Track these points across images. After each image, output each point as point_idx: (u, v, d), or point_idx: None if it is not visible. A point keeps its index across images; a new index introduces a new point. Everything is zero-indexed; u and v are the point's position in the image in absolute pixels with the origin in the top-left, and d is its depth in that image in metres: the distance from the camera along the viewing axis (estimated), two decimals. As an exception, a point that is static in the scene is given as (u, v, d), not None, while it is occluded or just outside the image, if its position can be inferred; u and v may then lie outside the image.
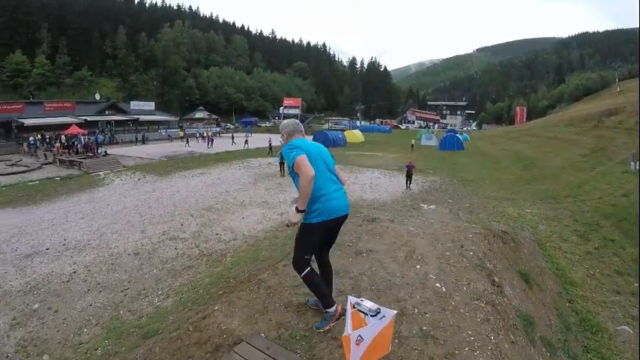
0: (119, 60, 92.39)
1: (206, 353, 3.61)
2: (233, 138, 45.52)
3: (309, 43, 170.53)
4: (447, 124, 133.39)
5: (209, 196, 16.64)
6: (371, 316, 2.47)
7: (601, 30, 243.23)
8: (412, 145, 42.13)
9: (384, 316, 2.46)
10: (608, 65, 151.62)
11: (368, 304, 2.53)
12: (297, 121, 4.15)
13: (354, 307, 2.55)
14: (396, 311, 2.53)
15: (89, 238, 11.43)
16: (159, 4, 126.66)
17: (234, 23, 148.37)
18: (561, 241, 10.95)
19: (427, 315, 4.01)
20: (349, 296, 2.67)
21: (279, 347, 3.34)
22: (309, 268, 3.72)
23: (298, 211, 3.50)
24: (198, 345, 3.73)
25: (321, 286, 3.80)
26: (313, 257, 3.86)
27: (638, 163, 17.81)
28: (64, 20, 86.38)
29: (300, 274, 3.73)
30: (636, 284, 8.50)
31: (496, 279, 5.16)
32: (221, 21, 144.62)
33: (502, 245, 7.00)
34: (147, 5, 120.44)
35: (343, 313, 3.57)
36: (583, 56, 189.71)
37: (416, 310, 4.08)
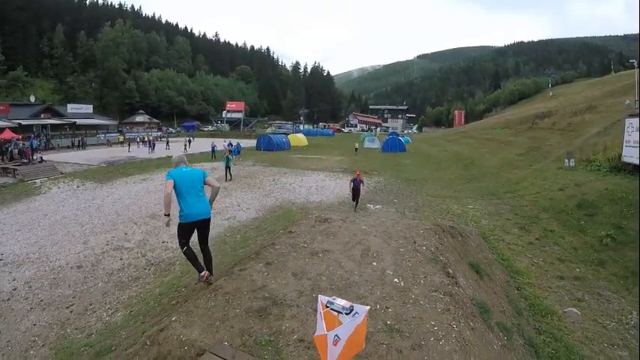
0: (56, 60, 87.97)
1: (169, 368, 3.50)
2: (168, 143, 44.63)
3: (252, 47, 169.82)
4: (388, 127, 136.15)
5: (153, 203, 16.13)
6: (345, 314, 2.49)
7: (535, 39, 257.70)
8: (356, 149, 40.68)
9: (357, 312, 2.49)
10: (542, 72, 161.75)
11: (341, 302, 2.55)
12: (183, 155, 6.22)
13: (327, 307, 2.57)
14: (368, 307, 2.58)
15: (28, 252, 10.77)
16: (100, 1, 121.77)
17: (177, 24, 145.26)
18: (504, 234, 11.67)
19: (390, 310, 4.15)
20: (320, 296, 2.68)
21: (245, 355, 3.34)
22: (185, 247, 5.57)
23: (165, 215, 5.47)
24: (159, 360, 3.60)
25: (196, 259, 5.69)
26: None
27: (573, 160, 18.95)
28: (1, 15, 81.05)
29: (181, 249, 5.65)
30: (578, 269, 9.23)
31: (450, 271, 5.45)
32: (164, 22, 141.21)
33: (451, 239, 7.43)
34: (87, 2, 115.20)
35: (207, 278, 5.54)
36: (518, 64, 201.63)
37: (378, 306, 4.21)
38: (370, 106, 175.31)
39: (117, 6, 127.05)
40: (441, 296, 4.60)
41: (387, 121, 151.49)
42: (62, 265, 9.77)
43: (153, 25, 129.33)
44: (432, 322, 3.98)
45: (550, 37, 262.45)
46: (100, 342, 5.80)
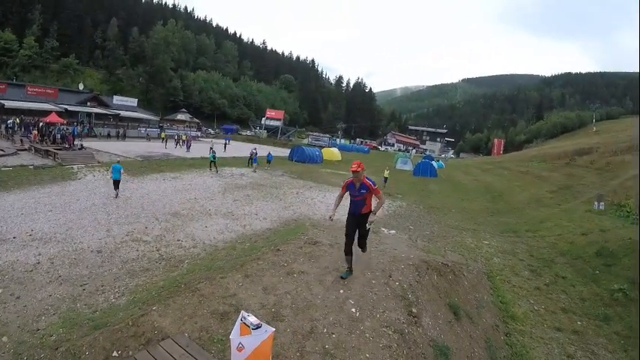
0: (107, 52, 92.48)
1: (140, 345, 4.32)
2: (186, 144, 41.98)
3: (298, 57, 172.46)
4: (426, 149, 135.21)
5: (177, 202, 16.87)
6: (252, 329, 3.11)
7: (584, 72, 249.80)
8: (386, 178, 29.70)
9: (265, 331, 3.10)
10: (587, 106, 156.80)
11: (251, 319, 3.20)
12: (119, 160, 19.08)
13: (242, 320, 3.20)
14: (274, 329, 3.19)
15: (56, 231, 11.64)
16: (155, 0, 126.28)
17: (226, 29, 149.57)
18: (512, 275, 11.27)
19: (334, 335, 4.61)
20: (242, 311, 3.33)
21: (197, 346, 4.04)
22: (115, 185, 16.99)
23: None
24: (135, 337, 4.42)
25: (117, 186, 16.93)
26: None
27: (602, 203, 18.50)
28: (58, 3, 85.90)
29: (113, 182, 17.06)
30: (580, 323, 8.79)
31: (414, 310, 5.60)
32: (214, 25, 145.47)
33: (437, 277, 7.40)
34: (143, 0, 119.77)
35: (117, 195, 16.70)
36: (564, 95, 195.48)
37: (325, 330, 4.68)
38: (410, 127, 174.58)
39: (170, 6, 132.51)
40: (390, 333, 4.83)
41: (425, 143, 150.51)
42: (84, 247, 10.52)
43: (203, 27, 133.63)
44: (368, 355, 4.31)
45: (599, 70, 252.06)
46: (101, 318, 6.46)
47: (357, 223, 6.61)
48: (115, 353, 4.53)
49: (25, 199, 15.21)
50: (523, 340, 7.62)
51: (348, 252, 6.72)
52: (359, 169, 6.33)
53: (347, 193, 6.62)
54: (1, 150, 26.25)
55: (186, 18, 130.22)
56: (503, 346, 7.19)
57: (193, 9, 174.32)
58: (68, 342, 5.56)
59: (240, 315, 3.28)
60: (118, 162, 17.79)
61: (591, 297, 9.96)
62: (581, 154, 39.38)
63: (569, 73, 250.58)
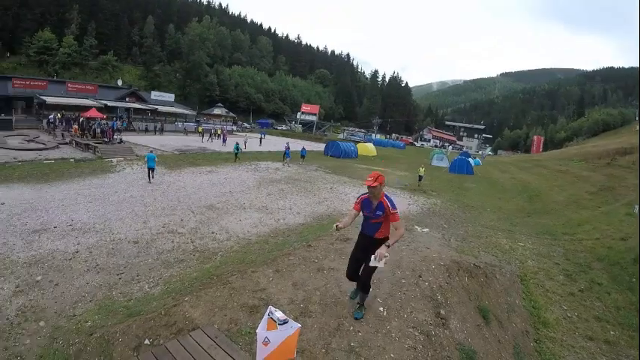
0: (145, 49, 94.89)
1: (171, 334, 4.45)
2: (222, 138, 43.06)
3: (333, 52, 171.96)
4: (462, 146, 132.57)
5: (212, 195, 17.10)
6: (279, 324, 3.15)
7: (626, 66, 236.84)
8: (420, 177, 28.64)
9: (291, 327, 3.15)
10: (630, 102, 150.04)
11: (278, 315, 3.25)
12: (153, 150, 20.76)
13: (269, 315, 3.25)
14: (299, 325, 3.21)
15: (94, 222, 12.01)
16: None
17: (261, 24, 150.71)
18: (547, 279, 10.77)
19: (360, 333, 4.59)
20: (270, 306, 3.38)
21: (225, 338, 4.14)
22: (149, 171, 19.45)
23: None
24: (166, 327, 4.55)
25: (149, 174, 19.59)
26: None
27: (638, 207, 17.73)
28: (95, 3, 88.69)
29: (148, 171, 19.53)
30: (613, 332, 8.25)
31: (442, 312, 5.46)
32: (249, 21, 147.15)
33: (467, 279, 7.18)
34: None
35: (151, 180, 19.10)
36: (606, 91, 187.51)
37: (351, 328, 4.66)
38: (446, 122, 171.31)
39: (205, 2, 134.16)
40: (416, 334, 4.77)
41: (462, 140, 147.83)
42: (121, 238, 10.85)
43: (238, 23, 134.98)
44: (392, 355, 4.27)
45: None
46: (135, 307, 6.67)
47: (366, 250, 4.97)
48: (146, 341, 4.70)
49: (65, 190, 15.78)
50: (553, 348, 7.28)
51: (350, 276, 5.25)
52: (376, 184, 4.81)
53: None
54: (43, 144, 27.25)
55: (221, 14, 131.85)
56: (533, 353, 6.88)
57: (227, 5, 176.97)
58: (102, 328, 5.74)
59: (268, 310, 3.34)
60: (151, 151, 19.40)
61: (626, 306, 9.39)
62: (623, 154, 37.59)
63: (611, 68, 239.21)
